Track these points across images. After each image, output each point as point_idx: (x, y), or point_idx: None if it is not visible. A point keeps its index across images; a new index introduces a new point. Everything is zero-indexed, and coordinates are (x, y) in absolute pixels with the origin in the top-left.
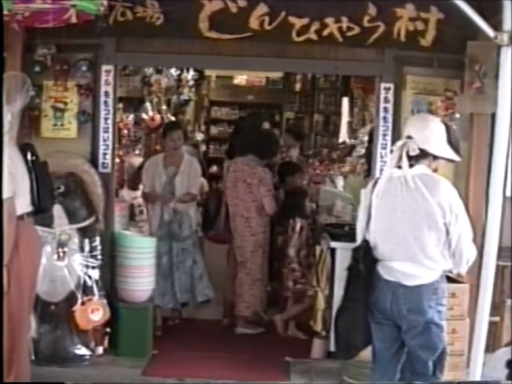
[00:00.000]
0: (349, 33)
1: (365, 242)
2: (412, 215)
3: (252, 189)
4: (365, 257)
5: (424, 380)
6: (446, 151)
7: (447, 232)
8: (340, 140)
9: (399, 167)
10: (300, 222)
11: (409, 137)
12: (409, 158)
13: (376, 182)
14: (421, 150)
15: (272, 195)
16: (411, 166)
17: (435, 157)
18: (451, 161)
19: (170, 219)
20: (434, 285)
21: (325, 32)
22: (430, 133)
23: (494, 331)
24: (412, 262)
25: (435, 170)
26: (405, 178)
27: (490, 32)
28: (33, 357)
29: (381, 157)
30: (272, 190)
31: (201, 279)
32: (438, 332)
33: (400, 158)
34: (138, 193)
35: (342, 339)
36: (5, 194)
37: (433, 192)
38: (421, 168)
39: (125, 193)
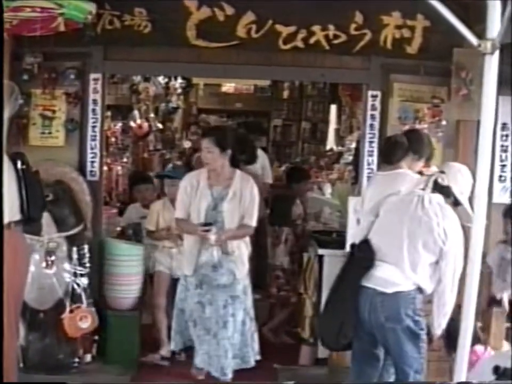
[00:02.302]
0: (336, 41)
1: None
2: (417, 226)
3: None
4: (365, 248)
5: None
6: (465, 200)
7: (439, 259)
8: (328, 147)
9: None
10: (286, 231)
11: (442, 171)
12: (436, 185)
13: None
14: (448, 186)
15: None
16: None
17: (455, 203)
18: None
19: (211, 260)
20: (411, 294)
21: (312, 40)
22: (460, 175)
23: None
24: (395, 266)
25: None
26: (423, 197)
27: (474, 40)
28: (21, 365)
29: (368, 164)
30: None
31: (253, 338)
32: (415, 340)
33: (427, 184)
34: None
35: (332, 325)
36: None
37: (445, 218)
38: (441, 198)
39: (134, 210)
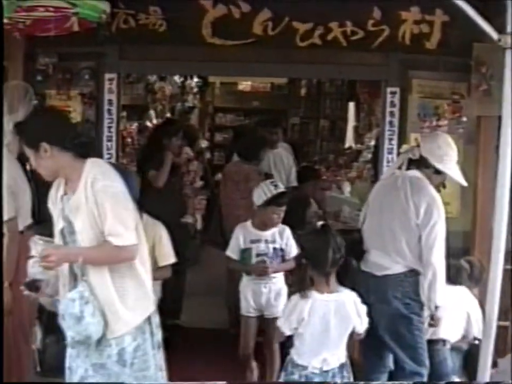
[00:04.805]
0: (354, 37)
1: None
2: (392, 209)
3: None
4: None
5: (404, 375)
6: (449, 167)
7: (420, 234)
8: (346, 145)
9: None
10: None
11: (418, 145)
12: (412, 161)
13: None
14: (422, 158)
15: None
16: (410, 169)
17: (437, 171)
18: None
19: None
20: (400, 276)
21: (329, 37)
22: (436, 146)
23: (504, 336)
24: (382, 252)
25: (443, 185)
26: (396, 178)
27: (494, 34)
28: (38, 369)
29: (388, 161)
30: None
31: None
32: (406, 324)
33: (403, 162)
34: None
35: None
36: (6, 216)
37: (414, 192)
38: (415, 172)
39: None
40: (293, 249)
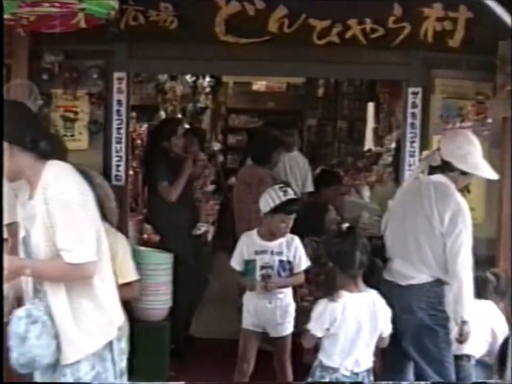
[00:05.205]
0: (373, 35)
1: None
2: (416, 216)
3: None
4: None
5: None
6: (473, 165)
7: (445, 242)
8: (365, 148)
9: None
10: (311, 243)
11: (438, 149)
12: (434, 168)
13: None
14: (445, 162)
15: None
16: (432, 174)
17: (463, 172)
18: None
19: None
20: (426, 287)
21: (348, 35)
22: (456, 146)
23: None
24: (406, 261)
25: (467, 190)
26: (420, 183)
27: None
28: None
29: (409, 165)
30: None
31: None
32: (432, 336)
33: (424, 169)
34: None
35: None
36: (10, 219)
37: (438, 199)
38: (440, 176)
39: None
40: (302, 262)
